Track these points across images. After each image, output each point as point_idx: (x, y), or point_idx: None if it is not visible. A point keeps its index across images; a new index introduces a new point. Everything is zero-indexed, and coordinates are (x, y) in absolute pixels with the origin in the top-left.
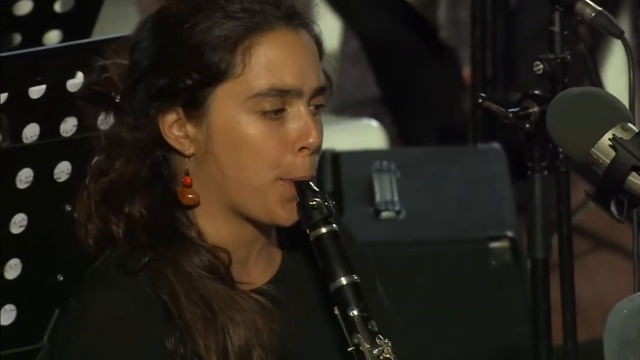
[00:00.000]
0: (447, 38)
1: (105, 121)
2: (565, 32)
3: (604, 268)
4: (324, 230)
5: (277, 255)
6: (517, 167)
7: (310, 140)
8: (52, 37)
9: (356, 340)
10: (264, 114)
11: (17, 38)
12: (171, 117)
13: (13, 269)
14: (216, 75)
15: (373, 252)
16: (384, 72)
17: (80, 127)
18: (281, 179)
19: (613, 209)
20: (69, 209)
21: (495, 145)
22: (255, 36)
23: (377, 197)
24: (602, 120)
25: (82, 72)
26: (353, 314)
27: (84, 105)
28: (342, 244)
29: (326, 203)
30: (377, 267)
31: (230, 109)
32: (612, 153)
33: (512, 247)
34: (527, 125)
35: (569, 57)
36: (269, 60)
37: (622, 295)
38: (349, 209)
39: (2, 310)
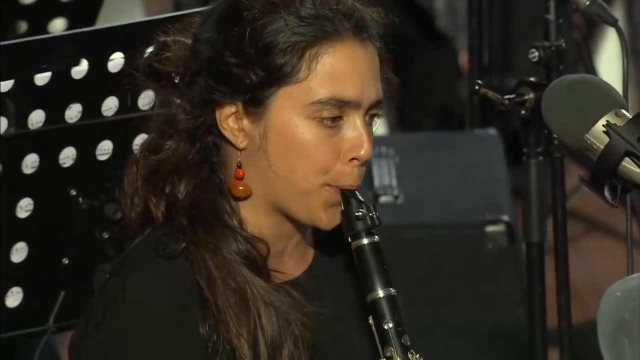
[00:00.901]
0: (444, 26)
1: (109, 108)
2: (560, 20)
3: (598, 251)
4: (365, 241)
5: (309, 251)
6: (513, 152)
7: (362, 153)
8: (58, 25)
9: (389, 354)
10: (321, 120)
11: (23, 26)
12: (229, 109)
13: (19, 253)
14: (281, 78)
15: None
16: None
17: (85, 114)
18: (328, 185)
19: (607, 193)
20: (74, 193)
21: (492, 131)
22: (324, 45)
23: (376, 182)
24: (596, 106)
25: (87, 59)
26: (388, 326)
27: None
28: (382, 256)
29: (370, 214)
30: None
31: (289, 111)
32: (606, 139)
33: (507, 230)
34: (523, 112)
35: (563, 44)
36: (334, 70)
37: (615, 277)
38: None
39: (9, 293)
